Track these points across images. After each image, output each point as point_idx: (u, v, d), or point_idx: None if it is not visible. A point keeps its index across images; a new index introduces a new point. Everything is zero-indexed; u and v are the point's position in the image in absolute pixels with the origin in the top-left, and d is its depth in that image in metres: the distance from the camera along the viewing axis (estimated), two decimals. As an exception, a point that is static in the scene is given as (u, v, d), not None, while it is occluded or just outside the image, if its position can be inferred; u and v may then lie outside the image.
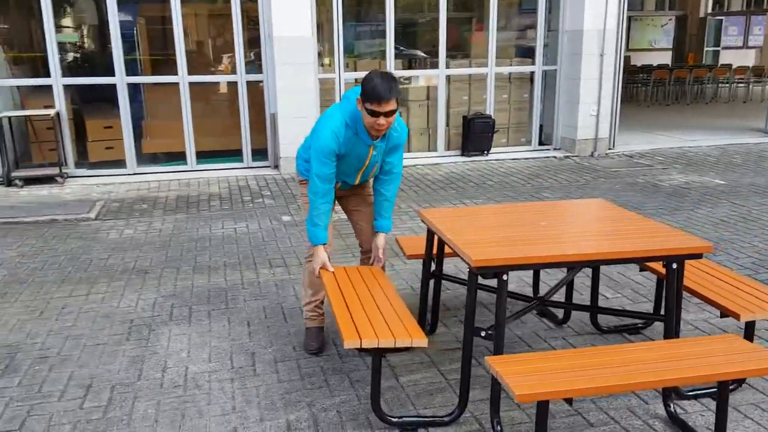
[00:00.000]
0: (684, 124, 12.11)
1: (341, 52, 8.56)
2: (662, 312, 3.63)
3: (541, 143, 9.72)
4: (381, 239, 3.57)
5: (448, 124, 9.37)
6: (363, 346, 2.69)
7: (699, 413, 3.02)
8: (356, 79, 8.90)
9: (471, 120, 9.09)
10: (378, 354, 2.82)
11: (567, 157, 9.23)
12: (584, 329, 3.90)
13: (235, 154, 8.59)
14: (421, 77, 9.37)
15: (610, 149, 9.51)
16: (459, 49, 9.70)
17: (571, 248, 2.84)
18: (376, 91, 3.02)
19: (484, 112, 9.27)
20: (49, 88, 7.82)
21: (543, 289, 4.37)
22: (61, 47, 8.06)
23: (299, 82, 8.09)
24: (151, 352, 3.65)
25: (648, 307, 4.16)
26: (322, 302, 3.67)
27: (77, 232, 5.94)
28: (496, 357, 2.59)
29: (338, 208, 3.70)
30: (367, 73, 3.18)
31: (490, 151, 9.28)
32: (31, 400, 3.17)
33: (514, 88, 9.55)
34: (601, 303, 4.23)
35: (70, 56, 8.93)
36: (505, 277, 2.76)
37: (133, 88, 8.29)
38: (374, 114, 3.07)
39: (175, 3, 7.85)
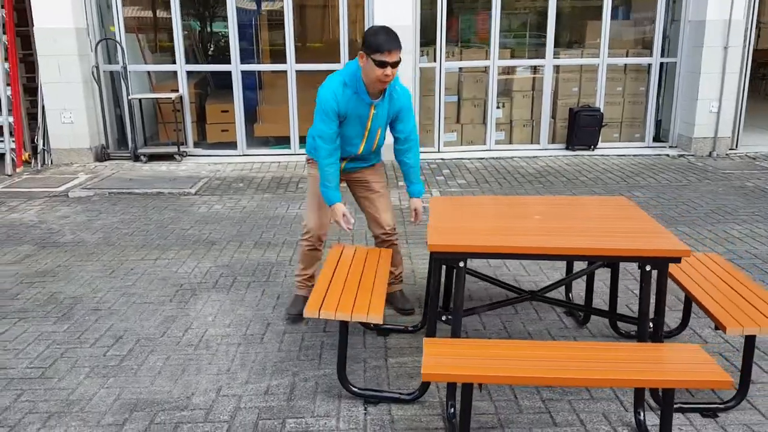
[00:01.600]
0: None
1: (443, 41, 8.62)
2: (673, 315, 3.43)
3: (657, 140, 9.17)
4: (417, 202, 3.73)
5: (554, 116, 9.12)
6: (320, 317, 2.86)
7: (677, 427, 2.86)
8: (460, 68, 8.93)
9: (577, 113, 8.79)
10: (343, 324, 2.97)
11: (681, 155, 8.64)
12: (602, 332, 3.76)
13: (337, 140, 8.96)
14: (527, 67, 9.18)
15: (731, 149, 8.77)
16: (570, 38, 9.37)
17: (535, 242, 2.80)
18: (385, 42, 3.19)
19: (592, 105, 8.92)
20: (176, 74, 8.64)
21: (577, 290, 4.24)
22: (187, 36, 8.84)
23: (399, 71, 8.25)
24: (183, 314, 4.04)
25: (676, 314, 3.92)
26: (312, 276, 3.93)
27: (174, 205, 6.57)
28: (432, 338, 2.64)
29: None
30: (368, 27, 3.36)
31: (597, 146, 8.92)
32: (69, 344, 3.66)
33: (630, 80, 9.07)
34: (628, 306, 4.04)
35: (195, 44, 9.75)
36: (461, 263, 2.79)
37: (249, 76, 8.91)
38: (382, 64, 3.21)
39: (286, -5, 8.34)
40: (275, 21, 9.21)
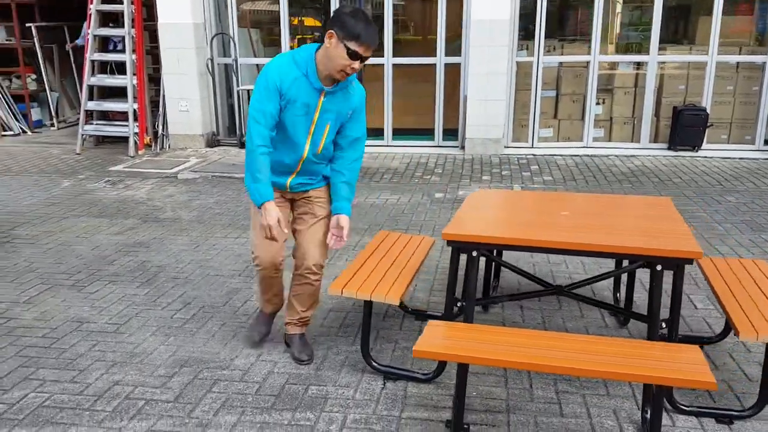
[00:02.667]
0: None
1: (542, 35, 8.56)
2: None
3: (770, 142, 8.62)
4: (344, 219, 3.18)
5: (657, 115, 8.80)
6: (342, 295, 3.10)
7: (687, 429, 2.85)
8: (560, 63, 8.82)
9: (680, 112, 8.43)
10: (367, 304, 3.20)
11: (796, 159, 8.07)
12: (642, 334, 3.74)
13: (429, 133, 9.16)
14: (630, 63, 8.90)
15: None
16: (677, 34, 8.97)
17: (544, 235, 2.89)
18: (366, 34, 2.78)
19: (697, 104, 8.51)
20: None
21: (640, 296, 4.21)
22: (293, 30, 9.35)
23: (492, 65, 8.32)
24: (247, 287, 4.43)
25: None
26: (277, 294, 3.46)
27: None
28: (436, 321, 2.80)
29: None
30: (342, 7, 2.90)
31: (702, 147, 8.52)
32: (145, 306, 4.15)
33: (742, 79, 8.57)
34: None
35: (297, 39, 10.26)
36: (474, 253, 2.93)
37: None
38: (354, 55, 2.80)
39: (387, -9, 8.61)
40: (375, 15, 9.50)
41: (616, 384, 3.19)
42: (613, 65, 8.88)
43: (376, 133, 9.26)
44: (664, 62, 8.62)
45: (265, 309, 3.57)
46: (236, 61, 9.03)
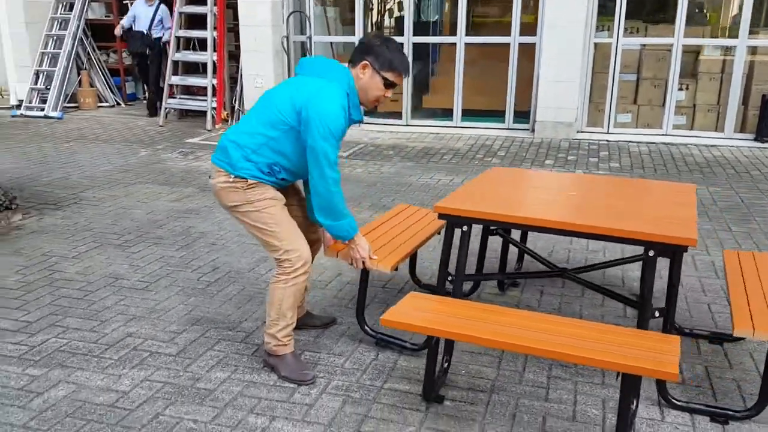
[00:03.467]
0: None
1: (623, 15, 8.18)
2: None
3: None
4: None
5: (745, 103, 8.22)
6: (338, 258, 3.17)
7: (675, 425, 2.71)
8: (643, 45, 8.39)
9: (770, 100, 7.84)
10: (364, 271, 3.24)
11: None
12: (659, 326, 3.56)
13: (500, 115, 8.99)
14: (717, 47, 8.34)
15: None
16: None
17: (535, 213, 2.80)
18: (401, 62, 2.84)
19: (791, 92, 7.89)
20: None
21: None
22: (367, 9, 9.40)
23: (566, 44, 8.05)
24: (276, 256, 4.56)
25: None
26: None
27: (325, 165, 7.18)
28: (416, 293, 2.80)
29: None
30: (372, 37, 2.90)
31: (794, 139, 7.89)
32: (177, 267, 4.37)
33: None
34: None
35: (380, 17, 10.30)
36: (465, 228, 2.90)
37: (422, 48, 9.26)
38: (391, 85, 2.86)
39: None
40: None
41: (614, 374, 3.07)
42: (699, 49, 8.35)
43: (445, 113, 9.20)
44: (755, 47, 8.02)
45: (289, 344, 3.07)
46: (311, 39, 9.20)
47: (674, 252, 2.60)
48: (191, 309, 3.76)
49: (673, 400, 2.80)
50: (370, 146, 8.11)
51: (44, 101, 10.01)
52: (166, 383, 3.01)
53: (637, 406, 2.75)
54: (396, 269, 3.19)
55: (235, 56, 9.95)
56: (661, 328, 2.77)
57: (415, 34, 9.00)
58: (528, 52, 8.63)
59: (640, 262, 3.53)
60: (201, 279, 4.18)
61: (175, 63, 9.65)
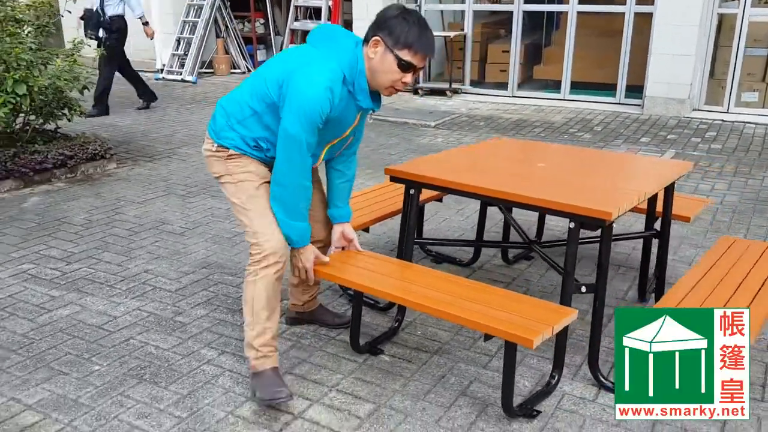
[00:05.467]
0: None
1: (753, -18, 7.39)
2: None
3: None
4: (350, 229, 2.81)
5: None
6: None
7: (602, 406, 2.59)
8: (777, 17, 7.54)
9: None
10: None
11: None
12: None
13: (612, 89, 8.51)
14: None
15: None
16: None
17: (476, 181, 2.77)
18: (421, 40, 2.34)
19: None
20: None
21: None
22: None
23: (682, 15, 7.43)
24: (312, 214, 4.80)
25: None
26: (275, 336, 2.63)
27: (406, 133, 7.29)
28: (369, 252, 2.91)
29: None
30: (389, 8, 2.42)
31: None
32: (218, 219, 4.74)
33: None
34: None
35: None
36: (412, 191, 2.94)
37: (532, 16, 8.98)
38: (407, 68, 2.36)
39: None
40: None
41: (571, 354, 2.96)
42: None
43: (556, 85, 8.87)
44: None
45: (273, 358, 2.60)
46: (420, 6, 9.25)
47: (599, 226, 2.46)
48: (210, 254, 4.11)
49: (603, 379, 2.68)
50: (464, 116, 8.07)
51: (182, 66, 10.98)
52: (152, 314, 3.37)
53: (558, 380, 2.66)
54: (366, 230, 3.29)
55: (349, 24, 10.24)
56: (592, 305, 2.64)
57: (526, 2, 8.74)
58: (644, 23, 8.07)
59: (652, 240, 3.33)
60: (232, 230, 4.52)
61: (293, 32, 10.13)
